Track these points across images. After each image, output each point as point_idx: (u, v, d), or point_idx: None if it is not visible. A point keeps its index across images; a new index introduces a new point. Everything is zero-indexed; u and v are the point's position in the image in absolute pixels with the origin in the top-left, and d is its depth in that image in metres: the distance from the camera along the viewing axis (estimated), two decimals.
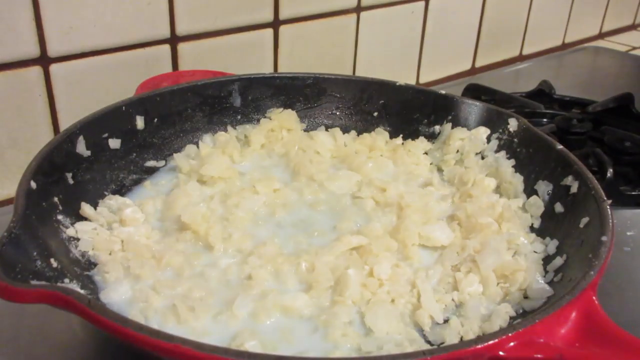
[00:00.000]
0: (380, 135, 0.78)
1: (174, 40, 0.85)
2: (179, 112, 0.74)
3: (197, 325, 0.50)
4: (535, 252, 0.59)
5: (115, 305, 0.51)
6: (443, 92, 0.79)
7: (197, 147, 0.73)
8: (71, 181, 0.60)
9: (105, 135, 0.66)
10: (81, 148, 0.62)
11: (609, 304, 0.46)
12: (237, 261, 0.58)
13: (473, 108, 0.76)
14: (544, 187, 0.64)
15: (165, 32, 0.84)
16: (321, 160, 0.75)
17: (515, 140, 0.70)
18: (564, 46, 1.52)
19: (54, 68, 0.76)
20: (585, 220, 0.55)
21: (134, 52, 0.82)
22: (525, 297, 0.54)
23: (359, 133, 0.80)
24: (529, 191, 0.66)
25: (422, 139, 0.77)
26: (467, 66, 1.30)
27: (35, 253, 0.47)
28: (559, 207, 0.61)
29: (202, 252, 0.59)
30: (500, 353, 0.40)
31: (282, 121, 0.77)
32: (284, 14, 0.95)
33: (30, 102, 0.76)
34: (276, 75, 0.80)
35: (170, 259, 0.56)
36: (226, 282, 0.55)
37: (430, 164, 0.75)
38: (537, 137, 0.68)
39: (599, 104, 1.03)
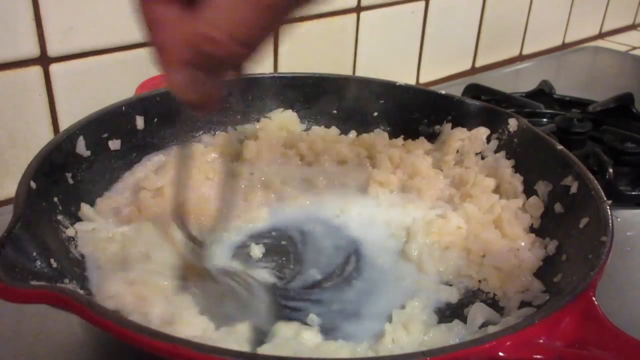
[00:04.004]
0: (379, 136, 0.78)
1: None
2: (179, 112, 0.74)
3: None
4: (535, 252, 0.59)
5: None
6: (443, 92, 0.79)
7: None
8: (71, 181, 0.60)
9: (105, 135, 0.66)
10: (81, 148, 0.62)
11: (609, 304, 0.46)
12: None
13: (473, 108, 0.75)
14: (543, 188, 0.64)
15: None
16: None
17: (515, 140, 0.70)
18: (564, 46, 1.52)
19: (54, 68, 0.76)
20: (585, 220, 0.55)
21: (134, 52, 0.82)
22: (525, 297, 0.55)
23: (359, 133, 0.80)
24: (529, 191, 0.66)
25: (422, 139, 0.77)
26: (467, 66, 1.30)
27: (35, 253, 0.47)
28: (558, 208, 0.61)
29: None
30: (500, 353, 0.40)
31: (282, 121, 0.77)
32: None
33: (30, 102, 0.76)
34: (276, 75, 0.80)
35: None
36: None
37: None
38: (537, 137, 0.68)
39: (599, 104, 1.03)
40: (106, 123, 0.66)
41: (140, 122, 0.70)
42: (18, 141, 0.76)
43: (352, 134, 0.80)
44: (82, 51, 0.77)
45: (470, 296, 0.57)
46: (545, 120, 0.99)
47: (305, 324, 0.52)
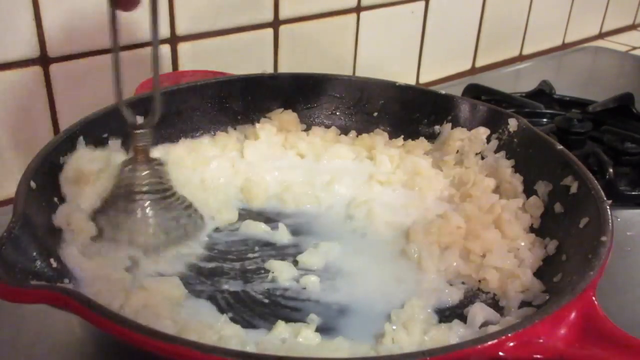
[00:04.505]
0: (379, 136, 0.78)
1: (174, 40, 0.85)
2: (179, 112, 0.74)
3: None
4: (535, 252, 0.59)
5: None
6: (443, 92, 0.79)
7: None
8: None
9: (105, 135, 0.66)
10: (81, 148, 0.62)
11: (609, 304, 0.46)
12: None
13: (473, 108, 0.75)
14: (543, 187, 0.64)
15: (165, 32, 0.84)
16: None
17: (515, 140, 0.70)
18: (564, 46, 1.52)
19: (54, 68, 0.76)
20: (585, 220, 0.56)
21: (134, 52, 0.82)
22: (525, 297, 0.55)
23: (359, 133, 0.80)
24: (529, 191, 0.66)
25: (422, 139, 0.78)
26: (467, 66, 1.30)
27: (35, 253, 0.47)
28: (558, 208, 0.61)
29: None
30: (500, 353, 0.40)
31: (282, 122, 0.77)
32: (284, 14, 0.95)
33: (30, 102, 0.76)
34: (276, 75, 0.80)
35: None
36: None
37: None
38: (537, 137, 0.68)
39: (599, 104, 1.03)
40: (106, 123, 0.66)
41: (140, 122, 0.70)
42: (18, 141, 0.76)
43: (352, 134, 0.80)
44: (82, 51, 0.77)
45: (470, 296, 0.57)
46: (545, 120, 0.99)
47: (305, 323, 0.52)
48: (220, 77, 0.78)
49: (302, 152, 0.76)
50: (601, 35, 1.63)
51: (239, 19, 0.90)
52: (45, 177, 0.55)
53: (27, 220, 0.48)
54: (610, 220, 0.52)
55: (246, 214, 0.67)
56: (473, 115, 0.75)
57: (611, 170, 0.78)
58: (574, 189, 0.60)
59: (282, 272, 0.57)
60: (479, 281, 0.58)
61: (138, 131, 0.57)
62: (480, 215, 0.63)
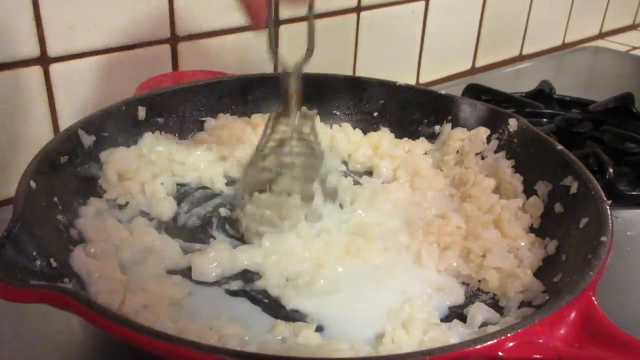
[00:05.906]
0: (386, 135, 0.78)
1: (174, 40, 0.85)
2: (178, 111, 0.74)
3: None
4: (535, 252, 0.59)
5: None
6: (443, 92, 0.79)
7: None
8: (71, 181, 0.60)
9: (106, 135, 0.66)
10: (81, 148, 0.62)
11: (609, 304, 0.46)
12: None
13: (473, 108, 0.76)
14: (543, 188, 0.64)
15: (165, 32, 0.84)
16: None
17: (515, 140, 0.70)
18: (564, 46, 1.52)
19: (54, 68, 0.76)
20: (585, 220, 0.56)
21: (134, 52, 0.82)
22: (525, 297, 0.55)
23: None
24: (529, 191, 0.66)
25: (422, 139, 0.78)
26: (467, 66, 1.30)
27: (35, 253, 0.47)
28: (558, 208, 0.61)
29: None
30: (500, 353, 0.40)
31: None
32: (284, 14, 0.95)
33: (30, 102, 0.76)
34: (276, 75, 0.80)
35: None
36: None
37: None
38: (537, 137, 0.68)
39: (599, 104, 1.03)
40: (106, 123, 0.66)
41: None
42: (18, 141, 0.76)
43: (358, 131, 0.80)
44: (82, 51, 0.77)
45: (470, 296, 0.57)
46: (545, 120, 0.99)
47: (305, 323, 0.52)
48: (220, 77, 0.78)
49: None
50: (601, 35, 1.63)
51: (239, 19, 0.90)
52: (45, 177, 0.55)
53: (27, 220, 0.48)
54: (610, 220, 0.52)
55: None
56: (473, 115, 0.75)
57: (611, 170, 0.78)
58: (574, 189, 0.60)
59: (269, 280, 0.57)
60: (479, 281, 0.58)
61: (292, 76, 0.63)
62: (480, 215, 0.63)
